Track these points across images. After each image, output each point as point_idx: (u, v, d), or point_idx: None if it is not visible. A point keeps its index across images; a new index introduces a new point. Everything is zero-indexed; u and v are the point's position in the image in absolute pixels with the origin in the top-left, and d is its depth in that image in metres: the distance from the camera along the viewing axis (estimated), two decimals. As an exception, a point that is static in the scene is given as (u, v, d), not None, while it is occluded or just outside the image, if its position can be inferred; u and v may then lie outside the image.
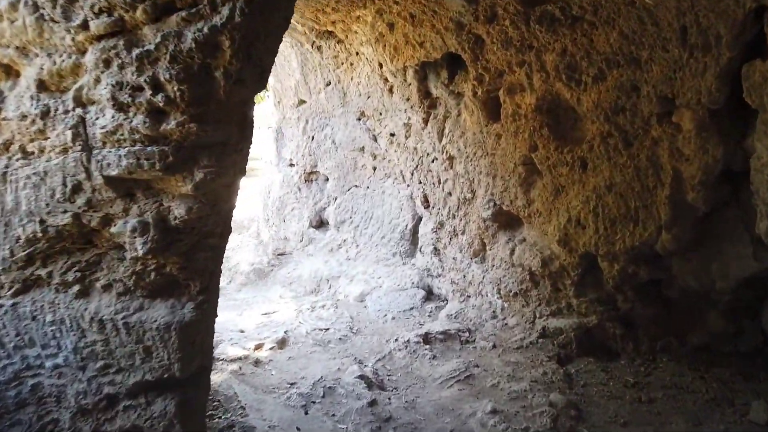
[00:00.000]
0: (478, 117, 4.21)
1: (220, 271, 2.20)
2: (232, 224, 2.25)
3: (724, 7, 2.34)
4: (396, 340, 3.93)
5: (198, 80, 1.64)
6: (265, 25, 1.76)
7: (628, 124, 3.01)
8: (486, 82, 3.98)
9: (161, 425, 1.96)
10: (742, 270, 2.87)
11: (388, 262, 5.61)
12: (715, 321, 3.26)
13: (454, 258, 4.89)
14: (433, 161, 4.96)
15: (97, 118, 1.74)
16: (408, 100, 4.96)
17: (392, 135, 5.38)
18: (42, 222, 1.85)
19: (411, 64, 4.67)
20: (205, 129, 1.66)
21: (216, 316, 2.18)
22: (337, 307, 5.03)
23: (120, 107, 1.71)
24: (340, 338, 4.25)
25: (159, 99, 1.66)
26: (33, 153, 1.83)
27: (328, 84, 5.82)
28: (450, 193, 4.83)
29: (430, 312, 4.85)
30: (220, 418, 2.98)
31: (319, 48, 5.53)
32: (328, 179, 6.29)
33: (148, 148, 1.71)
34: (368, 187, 5.85)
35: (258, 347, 3.94)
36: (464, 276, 4.76)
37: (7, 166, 1.86)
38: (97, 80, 1.70)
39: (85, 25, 1.67)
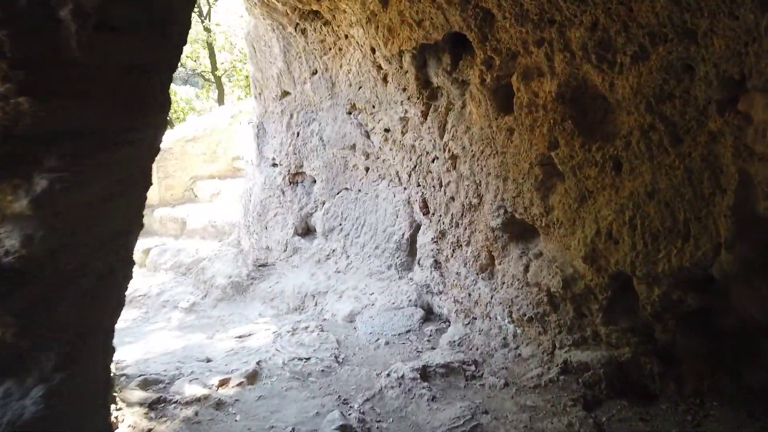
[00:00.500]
0: (486, 109, 3.68)
1: (112, 325, 1.60)
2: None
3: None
4: (388, 374, 3.40)
5: (29, 24, 1.05)
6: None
7: (677, 114, 2.48)
8: (496, 66, 3.46)
9: None
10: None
11: (383, 276, 5.08)
12: (779, 358, 2.73)
13: (457, 273, 4.36)
14: (433, 161, 4.44)
15: None
16: (405, 90, 4.44)
17: (387, 131, 4.87)
18: None
19: (408, 47, 4.15)
20: (48, 107, 1.06)
21: (108, 391, 1.55)
22: (323, 329, 4.50)
23: None
24: (322, 370, 3.72)
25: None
26: None
27: (315, 73, 5.30)
28: (453, 198, 4.30)
29: (430, 335, 4.32)
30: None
31: (303, 31, 5.01)
32: (315, 181, 5.76)
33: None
34: (360, 190, 5.32)
35: (223, 383, 3.41)
36: (469, 294, 4.23)
37: None
38: None
39: None
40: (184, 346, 4.58)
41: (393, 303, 4.78)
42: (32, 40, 1.05)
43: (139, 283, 7.11)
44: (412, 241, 4.92)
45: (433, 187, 4.51)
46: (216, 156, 10.58)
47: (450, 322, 4.43)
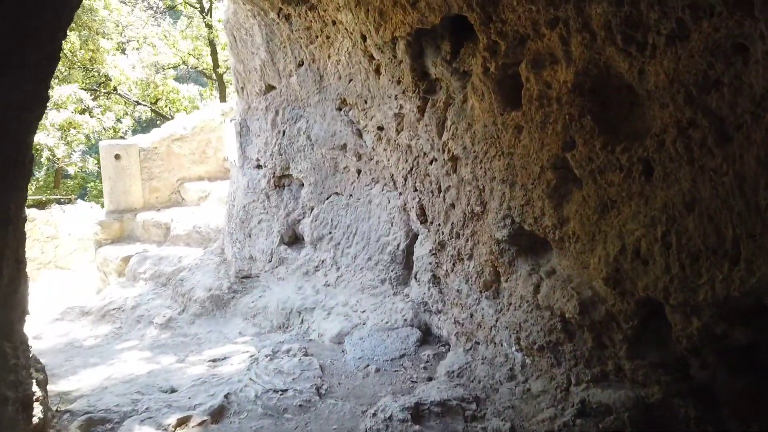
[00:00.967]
0: (490, 103, 3.27)
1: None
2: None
3: None
4: (374, 414, 2.98)
5: None
6: None
7: (726, 106, 2.06)
8: (501, 52, 3.04)
9: None
10: None
11: (376, 291, 4.68)
12: None
13: (458, 290, 3.95)
14: (431, 163, 4.03)
15: None
16: (399, 82, 4.04)
17: (380, 129, 4.46)
18: None
19: (402, 33, 3.74)
20: None
21: None
22: (307, 352, 4.10)
23: None
24: (300, 405, 3.31)
25: None
26: None
27: (301, 64, 4.90)
28: (453, 205, 3.89)
29: (427, 362, 3.91)
30: None
31: (287, 17, 4.61)
32: (302, 185, 5.37)
33: None
34: (351, 195, 4.92)
35: (181, 423, 3.00)
36: (471, 315, 3.81)
37: None
38: None
39: None
40: (150, 371, 4.19)
41: (386, 322, 4.37)
42: None
43: (115, 295, 6.75)
44: (409, 252, 4.52)
45: (432, 192, 4.10)
46: (205, 156, 10.21)
47: (449, 346, 4.02)
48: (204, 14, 20.03)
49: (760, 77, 1.93)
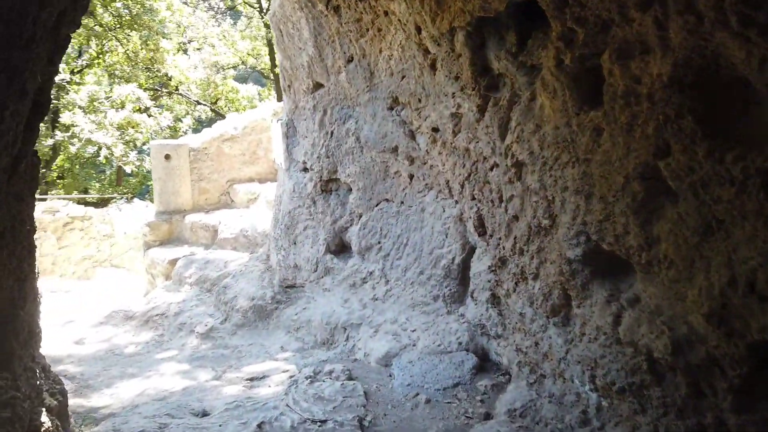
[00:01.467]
0: (563, 101, 2.87)
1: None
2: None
3: None
4: (423, 459, 2.63)
5: None
6: None
7: None
8: (579, 42, 2.65)
9: None
10: None
11: (427, 309, 4.34)
12: None
13: (521, 313, 3.56)
14: (492, 168, 3.66)
15: None
16: (457, 79, 3.70)
17: (435, 130, 4.12)
18: None
19: (461, 23, 3.40)
20: None
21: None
22: (351, 375, 3.80)
23: None
24: (340, 439, 3.00)
25: None
26: None
27: (350, 60, 4.62)
28: (516, 217, 3.51)
29: (484, 393, 3.54)
30: None
31: (336, 9, 4.34)
32: (350, 190, 5.09)
33: None
34: (403, 203, 4.60)
35: (208, 457, 2.75)
36: (536, 343, 3.42)
37: None
38: None
39: None
40: (185, 389, 4.01)
41: (439, 345, 4.02)
42: None
43: (159, 300, 6.70)
44: (465, 267, 4.15)
45: (492, 201, 3.72)
46: (256, 157, 10.14)
47: (510, 376, 3.63)
48: (263, 14, 20.24)
49: None
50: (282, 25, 5.04)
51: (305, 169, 5.39)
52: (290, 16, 4.87)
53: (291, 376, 3.92)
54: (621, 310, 2.82)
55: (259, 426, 3.09)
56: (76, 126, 17.93)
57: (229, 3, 24.61)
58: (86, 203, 18.53)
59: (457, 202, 4.15)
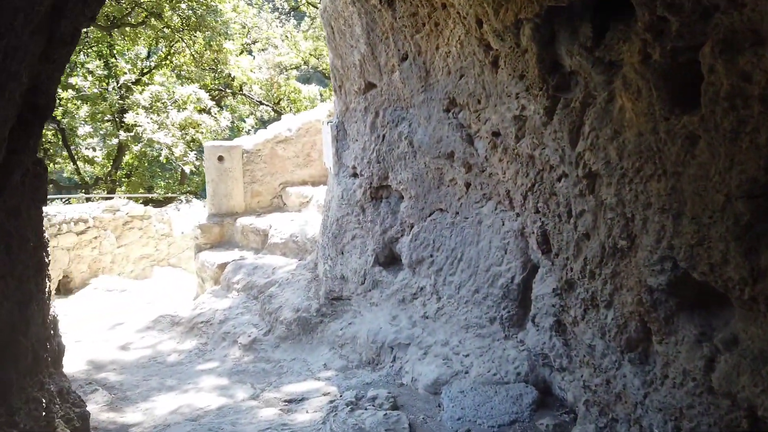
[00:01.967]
0: (649, 103, 2.49)
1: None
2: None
3: None
4: None
5: None
6: None
7: None
8: (672, 33, 2.27)
9: None
10: None
11: (482, 332, 4.00)
12: None
13: (590, 345, 3.17)
14: (560, 179, 3.29)
15: None
16: (522, 77, 3.36)
17: (496, 135, 3.78)
18: None
19: (528, 14, 3.07)
20: None
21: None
22: (396, 403, 3.52)
23: None
24: (379, 483, 2.71)
25: None
26: None
27: (405, 58, 4.34)
28: (587, 235, 3.12)
29: (545, 435, 3.15)
30: None
31: (390, 3, 4.08)
32: (402, 198, 4.81)
33: None
34: (458, 213, 4.27)
35: (231, 496, 2.52)
36: (608, 382, 3.02)
37: None
38: None
39: None
40: (220, 408, 3.83)
41: (494, 374, 3.67)
42: None
43: (205, 306, 6.63)
44: (525, 288, 3.78)
45: (559, 216, 3.35)
46: (310, 159, 10.02)
47: (576, 416, 3.24)
48: (326, 14, 20.28)
49: None
50: (333, 21, 4.82)
51: (355, 175, 5.14)
52: (342, 12, 4.64)
53: (331, 401, 3.67)
54: (715, 353, 2.39)
55: (291, 461, 2.85)
56: (139, 126, 18.49)
57: (293, 3, 24.94)
58: (151, 201, 19.13)
59: (518, 215, 3.79)
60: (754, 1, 1.90)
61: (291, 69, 23.63)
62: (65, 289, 12.24)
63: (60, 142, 20.59)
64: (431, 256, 4.53)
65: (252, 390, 4.21)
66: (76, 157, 21.23)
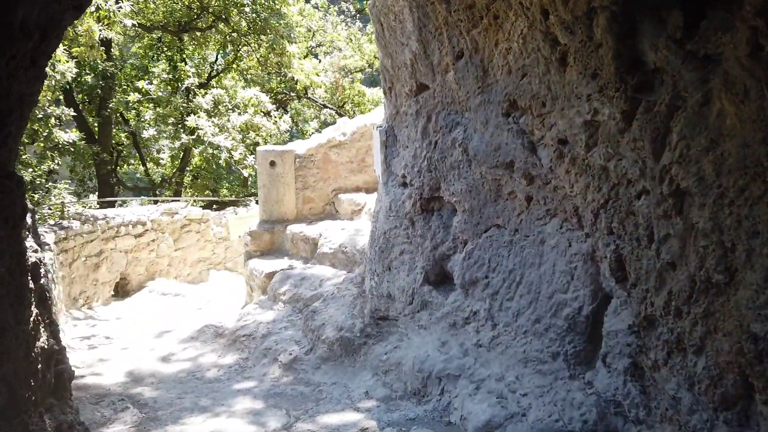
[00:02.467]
0: (759, 107, 2.01)
1: None
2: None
3: None
4: None
5: None
6: None
7: None
8: (794, 16, 1.78)
9: None
10: None
11: (543, 368, 3.56)
12: None
13: (674, 396, 2.69)
14: (639, 196, 2.83)
15: None
16: (595, 76, 2.93)
17: (562, 143, 3.35)
18: None
19: (604, 2, 2.67)
20: None
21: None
22: (440, 447, 3.12)
23: None
24: None
25: None
26: None
27: (460, 56, 3.96)
28: (673, 264, 2.65)
29: (616, 501, 2.68)
30: None
31: (444, -5, 3.69)
32: (455, 211, 4.41)
33: None
34: (517, 231, 3.84)
35: None
36: (697, 444, 2.52)
37: None
38: None
39: None
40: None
41: (556, 420, 3.22)
42: None
43: (250, 318, 6.45)
44: (595, 321, 3.31)
45: (637, 239, 2.88)
46: (364, 165, 9.73)
47: (655, 480, 2.74)
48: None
49: None
50: (383, 17, 4.49)
51: (404, 184, 4.78)
52: (392, 7, 4.30)
53: (368, 441, 3.33)
54: None
55: None
56: (201, 129, 18.81)
57: (358, 5, 24.94)
58: (216, 203, 19.47)
59: (588, 235, 3.32)
60: None
61: (356, 72, 23.62)
62: (123, 291, 12.52)
63: (132, 145, 21.31)
64: (486, 277, 4.10)
65: (286, 418, 3.92)
66: (146, 159, 21.92)
